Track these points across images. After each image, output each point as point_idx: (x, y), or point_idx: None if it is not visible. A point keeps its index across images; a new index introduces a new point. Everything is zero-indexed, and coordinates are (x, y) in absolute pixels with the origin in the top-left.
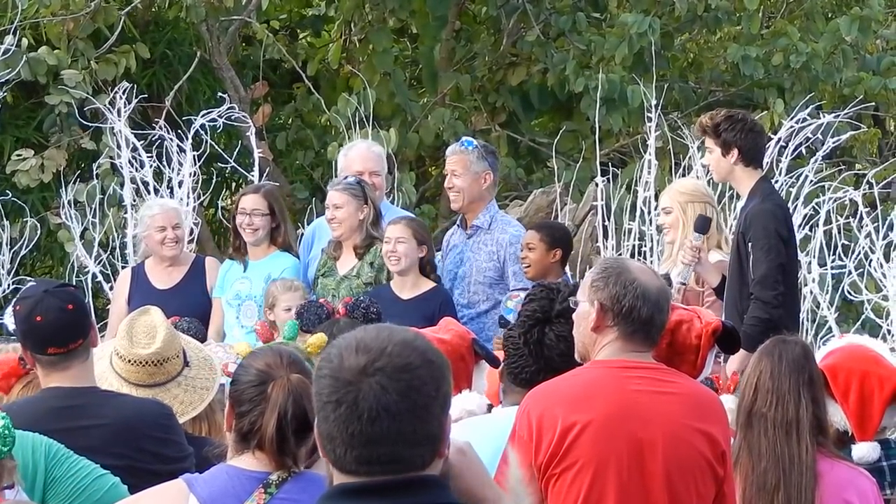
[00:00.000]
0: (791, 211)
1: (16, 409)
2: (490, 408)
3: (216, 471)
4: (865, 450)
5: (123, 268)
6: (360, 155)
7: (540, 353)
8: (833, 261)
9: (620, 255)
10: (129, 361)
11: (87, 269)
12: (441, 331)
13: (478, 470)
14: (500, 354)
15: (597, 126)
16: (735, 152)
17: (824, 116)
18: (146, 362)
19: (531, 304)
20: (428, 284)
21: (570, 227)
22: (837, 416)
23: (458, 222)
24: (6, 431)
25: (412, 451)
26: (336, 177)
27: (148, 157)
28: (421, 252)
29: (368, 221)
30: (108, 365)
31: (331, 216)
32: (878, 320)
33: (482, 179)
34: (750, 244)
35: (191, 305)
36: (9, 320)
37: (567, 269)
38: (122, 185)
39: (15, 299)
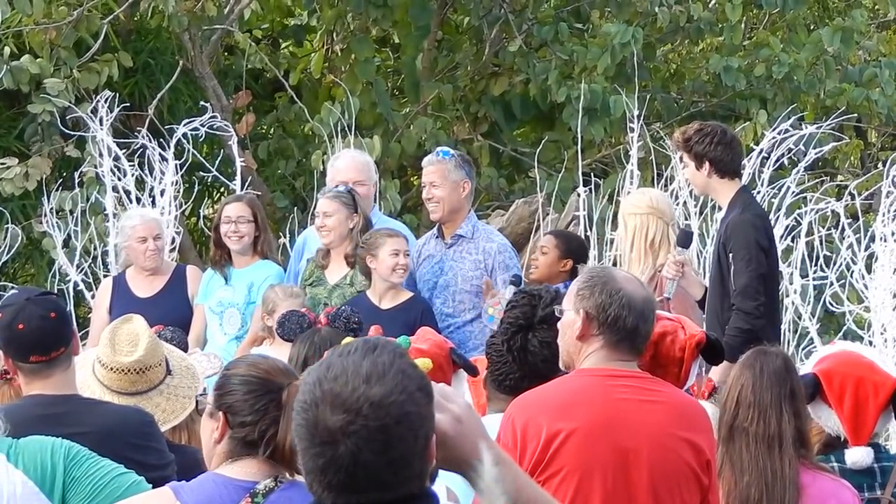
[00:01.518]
0: (773, 222)
1: None
2: None
3: (203, 479)
4: (859, 454)
5: (105, 276)
6: (346, 165)
7: (524, 359)
8: (815, 272)
9: (602, 264)
10: (112, 369)
11: (68, 278)
12: (419, 340)
13: (475, 436)
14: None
15: (579, 136)
16: (707, 165)
17: (806, 127)
18: (129, 370)
19: (514, 311)
20: (406, 294)
21: (577, 234)
22: (831, 421)
23: (434, 232)
24: None
25: (394, 492)
26: (318, 186)
27: (130, 165)
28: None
29: (358, 230)
30: (90, 373)
31: (321, 224)
32: (859, 331)
33: (461, 188)
34: (731, 255)
35: (172, 314)
36: None
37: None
38: (104, 194)
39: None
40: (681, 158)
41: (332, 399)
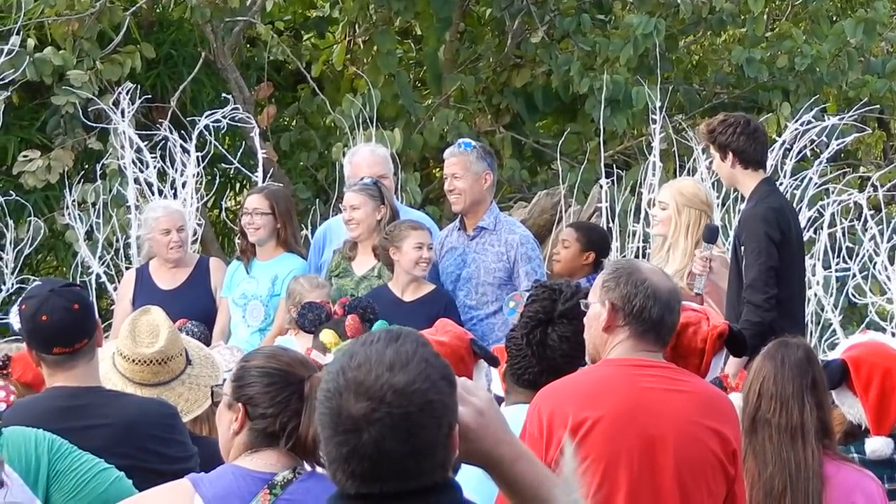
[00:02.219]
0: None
1: (20, 408)
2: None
3: (222, 471)
4: (880, 444)
5: (127, 268)
6: (365, 159)
7: (543, 353)
8: (837, 263)
9: (625, 256)
10: (134, 361)
11: (91, 270)
12: (439, 332)
13: (496, 429)
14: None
15: (601, 128)
16: (731, 155)
17: (829, 119)
18: (151, 361)
19: (533, 305)
20: (428, 287)
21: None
22: (854, 409)
23: (456, 224)
24: None
25: (417, 481)
26: (340, 178)
27: (152, 157)
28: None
29: (385, 222)
30: (110, 365)
31: (348, 217)
32: (882, 323)
33: (483, 180)
34: (743, 248)
35: (195, 306)
36: (14, 320)
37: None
38: (126, 186)
39: (20, 298)
40: (704, 150)
41: (356, 387)
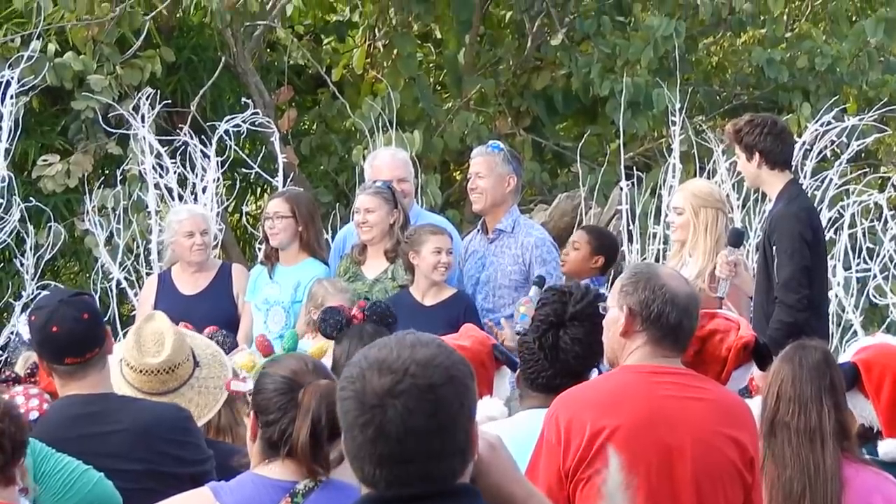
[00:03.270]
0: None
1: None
2: None
3: (242, 479)
4: (892, 446)
5: (148, 274)
6: (386, 163)
7: (556, 356)
8: (858, 264)
9: (645, 258)
10: (140, 371)
11: (111, 276)
12: (461, 337)
13: (507, 466)
14: None
15: (621, 130)
16: (757, 156)
17: (849, 119)
18: (158, 370)
19: (544, 309)
20: (450, 291)
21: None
22: (866, 411)
23: (478, 227)
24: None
25: (441, 465)
26: (360, 182)
27: (172, 162)
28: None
29: (399, 225)
30: (118, 374)
31: (362, 220)
32: None
33: (506, 182)
34: (774, 247)
35: (217, 311)
36: (24, 330)
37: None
38: (146, 191)
39: (29, 309)
40: (724, 151)
41: (379, 364)
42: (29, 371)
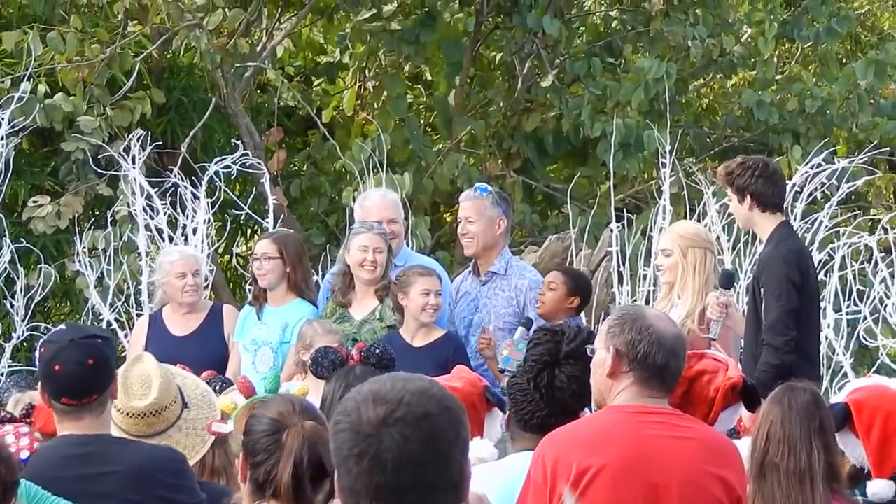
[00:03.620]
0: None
1: (32, 456)
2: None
3: None
4: (881, 487)
5: (138, 315)
6: (376, 204)
7: (552, 396)
8: (848, 306)
9: (636, 300)
10: (127, 414)
11: (102, 317)
12: (453, 379)
13: None
14: None
15: (612, 172)
16: (749, 198)
17: (839, 161)
18: (144, 413)
19: (538, 349)
20: (439, 332)
21: (585, 272)
22: (857, 452)
23: (470, 269)
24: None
25: (436, 499)
26: (350, 223)
27: (162, 204)
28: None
29: (389, 265)
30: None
31: (372, 259)
32: (893, 366)
33: (496, 225)
34: (763, 290)
35: (208, 352)
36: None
37: (583, 315)
38: (136, 233)
39: (43, 339)
40: (715, 193)
41: (374, 396)
42: (24, 412)
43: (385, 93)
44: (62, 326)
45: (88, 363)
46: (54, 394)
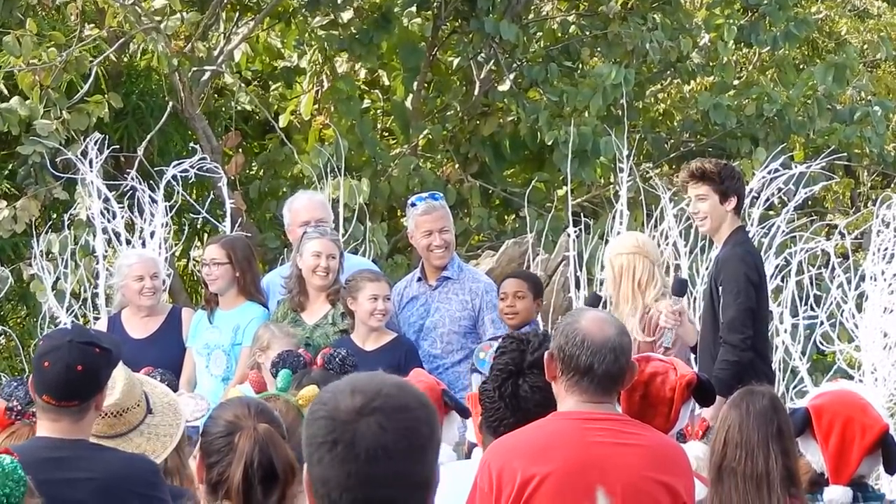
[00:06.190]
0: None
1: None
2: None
3: None
4: (838, 493)
5: (96, 319)
6: (304, 206)
7: (516, 405)
8: (805, 311)
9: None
10: None
11: (58, 320)
12: (411, 381)
13: None
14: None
15: (569, 177)
16: (733, 200)
17: (796, 167)
18: (106, 413)
19: (503, 357)
20: (390, 335)
21: (542, 277)
22: (816, 457)
23: (417, 274)
24: (18, 475)
25: (407, 494)
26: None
27: (120, 207)
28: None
29: (340, 270)
30: None
31: (325, 265)
32: (850, 371)
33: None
34: (721, 288)
35: (167, 355)
36: None
37: (539, 318)
38: (93, 236)
39: (47, 332)
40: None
41: (353, 387)
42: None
43: (336, 95)
44: (68, 325)
45: (77, 369)
46: (39, 388)
